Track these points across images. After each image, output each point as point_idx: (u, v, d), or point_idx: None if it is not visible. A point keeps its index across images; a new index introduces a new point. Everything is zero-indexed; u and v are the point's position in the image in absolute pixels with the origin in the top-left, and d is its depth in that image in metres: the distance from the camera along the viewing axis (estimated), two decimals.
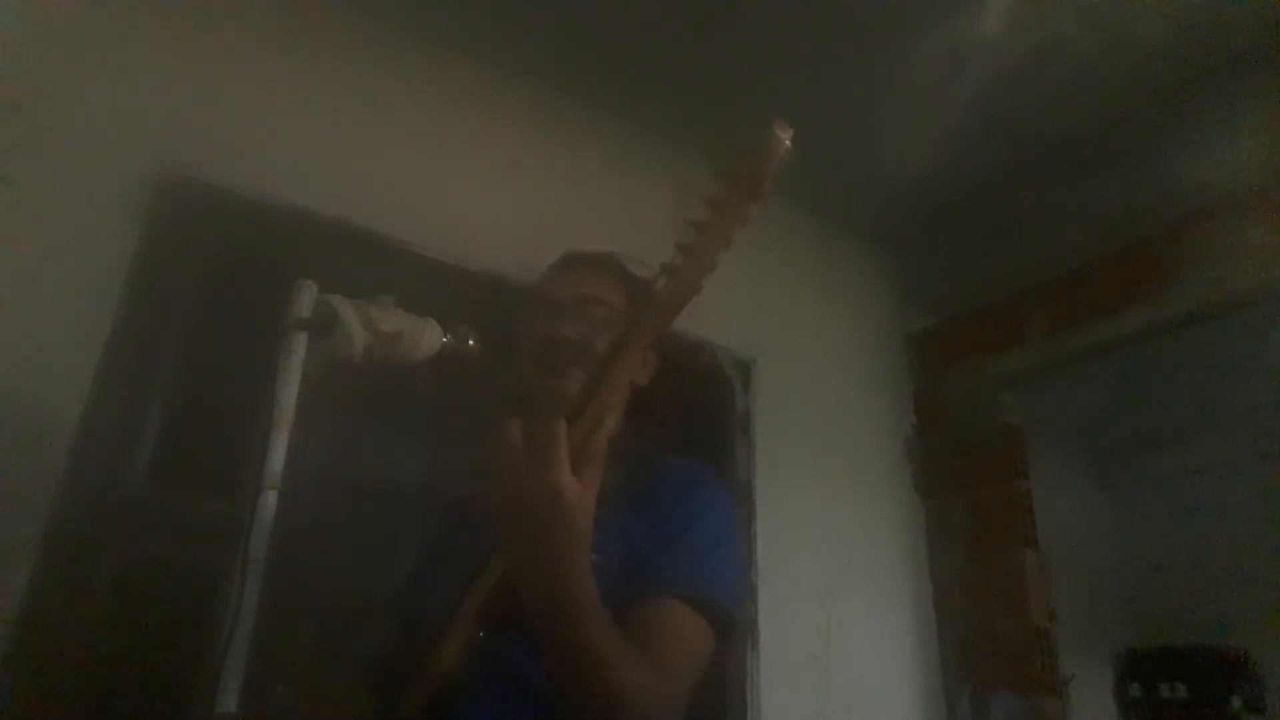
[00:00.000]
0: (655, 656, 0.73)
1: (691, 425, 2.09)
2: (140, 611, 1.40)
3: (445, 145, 1.95)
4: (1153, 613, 3.68)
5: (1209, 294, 2.02)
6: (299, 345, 1.15)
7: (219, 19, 1.72)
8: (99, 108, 1.55)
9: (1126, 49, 1.89)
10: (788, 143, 0.60)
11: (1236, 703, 2.94)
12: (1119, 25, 1.83)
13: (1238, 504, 3.52)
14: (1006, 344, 2.43)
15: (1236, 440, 3.50)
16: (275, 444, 1.10)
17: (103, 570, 1.40)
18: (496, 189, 1.98)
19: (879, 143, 2.24)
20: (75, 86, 1.53)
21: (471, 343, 1.31)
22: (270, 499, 1.07)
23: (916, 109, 2.11)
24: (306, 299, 1.19)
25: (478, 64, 2.04)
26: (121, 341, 1.45)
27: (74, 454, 1.36)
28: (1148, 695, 3.11)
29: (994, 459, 2.41)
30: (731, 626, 0.86)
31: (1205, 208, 2.04)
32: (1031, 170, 2.25)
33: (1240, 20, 1.80)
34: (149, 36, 1.64)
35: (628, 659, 0.68)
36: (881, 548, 2.36)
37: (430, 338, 1.25)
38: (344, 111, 1.82)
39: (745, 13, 1.87)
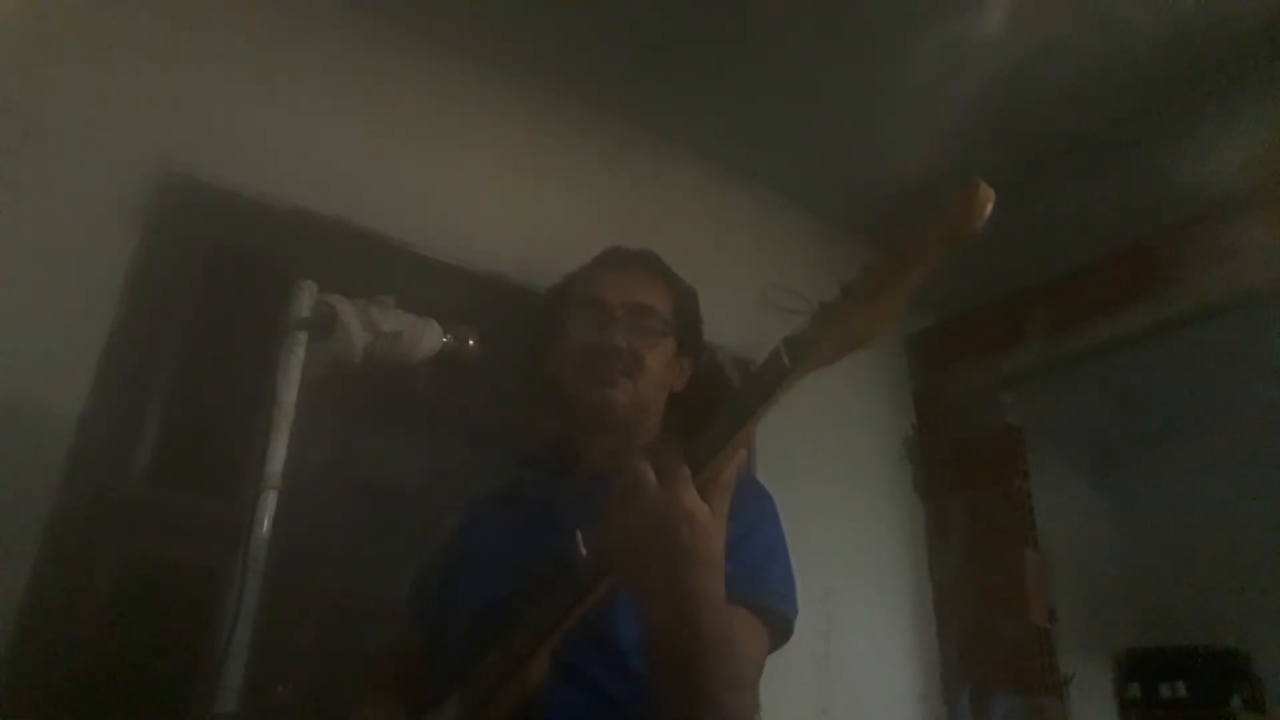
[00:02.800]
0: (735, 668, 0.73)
1: (691, 425, 2.08)
2: (140, 611, 1.40)
3: (445, 145, 1.94)
4: (1153, 613, 3.67)
5: (1209, 294, 2.02)
6: (299, 345, 1.15)
7: (219, 19, 1.72)
8: (99, 108, 1.55)
9: (1126, 49, 1.89)
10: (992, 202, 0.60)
11: (1236, 703, 2.93)
12: (1119, 25, 1.83)
13: (1238, 504, 3.51)
14: (1006, 344, 2.43)
15: (1236, 440, 3.49)
16: (275, 444, 1.10)
17: (103, 570, 1.40)
18: (496, 189, 1.98)
19: (879, 143, 2.24)
20: (75, 86, 1.53)
21: (471, 343, 1.31)
22: (270, 499, 1.07)
23: (916, 109, 2.11)
24: (306, 299, 1.19)
25: (478, 64, 2.04)
26: (121, 341, 1.45)
27: (74, 454, 1.36)
28: (1148, 695, 3.10)
29: (994, 459, 2.41)
30: (789, 634, 0.86)
31: (1205, 208, 2.04)
32: (1031, 170, 2.25)
33: (1240, 20, 1.80)
34: (148, 36, 1.64)
35: (735, 682, 0.68)
36: (881, 548, 2.36)
37: (430, 338, 1.25)
38: (344, 111, 1.82)
39: (745, 13, 1.87)
